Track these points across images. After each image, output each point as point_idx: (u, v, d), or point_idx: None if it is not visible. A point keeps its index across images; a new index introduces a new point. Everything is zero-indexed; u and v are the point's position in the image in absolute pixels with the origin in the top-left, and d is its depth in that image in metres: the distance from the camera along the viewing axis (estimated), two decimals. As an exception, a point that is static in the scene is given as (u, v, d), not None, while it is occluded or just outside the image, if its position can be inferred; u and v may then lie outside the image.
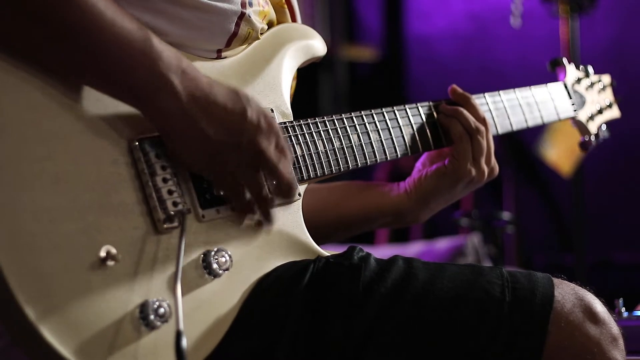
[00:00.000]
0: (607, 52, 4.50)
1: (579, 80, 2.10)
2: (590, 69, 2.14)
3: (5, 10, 1.25)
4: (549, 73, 2.09)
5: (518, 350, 1.40)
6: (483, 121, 1.79)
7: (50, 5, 1.27)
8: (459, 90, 1.82)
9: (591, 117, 2.09)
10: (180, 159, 1.39)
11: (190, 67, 1.36)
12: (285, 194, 1.46)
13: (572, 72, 2.10)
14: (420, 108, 1.77)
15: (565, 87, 2.06)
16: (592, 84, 2.12)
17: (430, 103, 1.80)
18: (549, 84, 2.03)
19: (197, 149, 1.37)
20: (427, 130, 1.77)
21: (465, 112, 1.78)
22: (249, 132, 1.39)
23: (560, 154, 4.06)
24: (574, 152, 3.93)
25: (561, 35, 3.69)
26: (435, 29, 5.18)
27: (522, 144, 4.54)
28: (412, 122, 1.75)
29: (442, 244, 3.63)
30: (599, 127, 2.11)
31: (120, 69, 1.31)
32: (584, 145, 2.12)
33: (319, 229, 1.70)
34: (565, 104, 2.04)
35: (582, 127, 2.10)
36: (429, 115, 1.78)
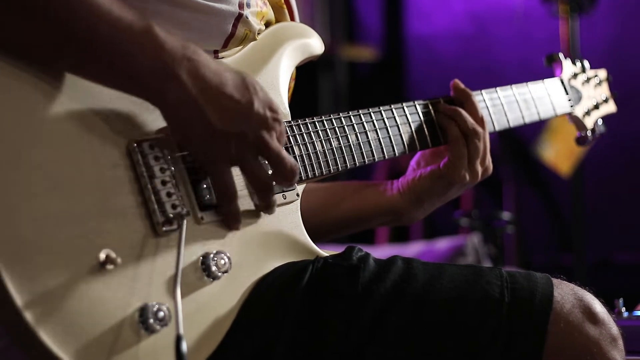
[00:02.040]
0: (607, 52, 4.50)
1: (575, 76, 2.09)
2: (586, 63, 2.14)
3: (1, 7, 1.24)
4: (549, 72, 2.09)
5: (517, 350, 1.40)
6: (481, 122, 1.79)
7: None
8: (461, 85, 1.82)
9: (587, 112, 2.09)
10: (186, 147, 1.39)
11: (196, 54, 1.34)
12: (288, 178, 1.43)
13: (568, 67, 2.09)
14: (417, 106, 1.77)
15: (562, 82, 2.05)
16: (588, 79, 2.12)
17: (428, 101, 1.80)
18: (546, 80, 2.03)
19: (202, 139, 1.36)
20: (425, 128, 1.77)
21: (463, 113, 1.77)
22: (256, 122, 1.38)
23: (559, 155, 4.06)
24: (573, 153, 3.93)
25: (561, 35, 3.69)
26: (435, 29, 5.19)
27: (522, 144, 4.54)
28: (410, 120, 1.75)
29: (442, 244, 3.63)
30: (595, 122, 2.11)
31: (122, 59, 1.30)
32: (580, 140, 2.12)
33: (317, 228, 1.70)
34: (562, 100, 2.04)
35: (578, 123, 2.09)
36: (427, 114, 1.78)
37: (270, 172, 1.43)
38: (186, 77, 1.32)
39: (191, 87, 1.33)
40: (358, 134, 1.66)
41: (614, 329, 1.45)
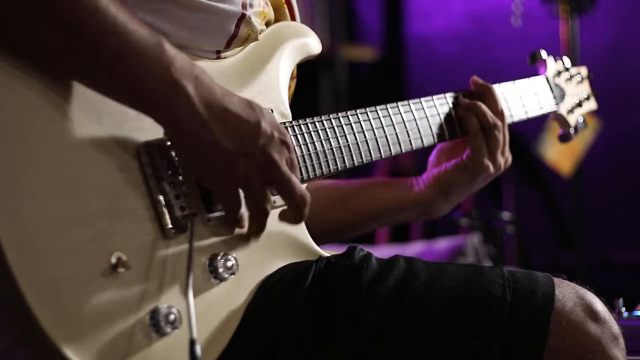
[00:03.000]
0: (607, 52, 4.50)
1: (559, 73, 2.10)
2: (567, 61, 2.14)
3: (16, 11, 1.25)
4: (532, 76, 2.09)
5: (519, 349, 1.40)
6: (501, 114, 1.82)
7: (62, 7, 1.26)
8: (480, 80, 1.85)
9: (571, 110, 2.10)
10: (191, 168, 1.37)
11: (203, 74, 1.34)
12: (300, 206, 1.41)
13: (552, 65, 2.09)
14: (435, 100, 1.79)
15: (547, 80, 2.06)
16: (571, 77, 2.12)
17: (447, 95, 1.82)
18: (532, 78, 2.02)
19: (207, 158, 1.34)
20: (443, 122, 1.79)
21: (483, 107, 1.80)
22: (263, 143, 1.36)
23: (560, 154, 4.07)
24: (574, 152, 3.93)
25: (561, 35, 3.69)
26: (435, 29, 5.19)
27: (522, 144, 4.54)
28: (428, 114, 1.77)
29: (442, 244, 3.63)
30: (577, 120, 2.12)
31: (132, 73, 1.29)
32: (563, 137, 2.12)
33: (331, 225, 1.71)
34: (548, 98, 2.04)
35: (562, 120, 2.10)
36: (444, 108, 1.80)
37: (273, 200, 1.42)
38: (194, 94, 1.32)
39: (198, 104, 1.32)
40: (356, 133, 1.67)
41: (616, 328, 1.45)
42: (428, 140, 1.77)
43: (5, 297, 1.19)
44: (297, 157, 1.55)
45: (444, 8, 5.17)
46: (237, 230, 1.43)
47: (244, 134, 1.35)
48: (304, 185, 1.59)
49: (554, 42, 3.76)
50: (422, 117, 1.77)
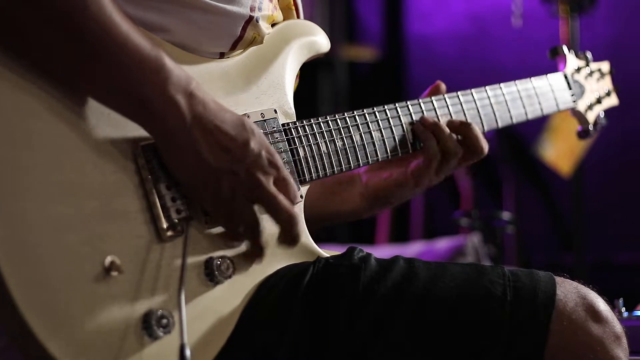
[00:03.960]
0: (607, 52, 4.49)
1: (578, 70, 2.09)
2: (589, 55, 2.13)
3: (21, 13, 1.25)
4: (549, 71, 2.09)
5: (520, 349, 1.40)
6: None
7: (67, 13, 1.26)
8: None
9: (590, 107, 2.09)
10: (180, 179, 1.37)
11: (198, 90, 1.35)
12: (286, 224, 1.40)
13: (571, 61, 2.09)
14: (422, 105, 1.77)
15: (565, 77, 2.05)
16: (591, 73, 2.11)
17: (419, 101, 1.78)
18: (549, 75, 2.02)
19: (193, 171, 1.35)
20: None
21: (446, 131, 1.74)
22: (248, 163, 1.36)
23: (560, 154, 4.06)
24: (574, 152, 3.93)
25: (561, 35, 3.69)
26: (435, 29, 5.18)
27: (522, 143, 4.54)
28: (415, 120, 1.75)
29: (442, 244, 3.63)
30: (597, 116, 2.11)
31: (129, 82, 1.30)
32: (582, 134, 2.12)
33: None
34: (565, 95, 2.04)
35: (580, 117, 2.09)
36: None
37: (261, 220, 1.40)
38: (186, 109, 1.32)
39: (189, 120, 1.33)
40: (362, 134, 1.66)
41: (618, 327, 1.45)
42: (406, 148, 1.73)
43: None
44: (299, 158, 1.55)
45: (444, 8, 5.17)
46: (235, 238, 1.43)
47: (231, 152, 1.35)
48: (307, 187, 1.58)
49: (554, 42, 3.74)
50: (411, 122, 1.73)
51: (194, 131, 1.33)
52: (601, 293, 1.49)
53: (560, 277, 1.49)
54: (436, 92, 1.83)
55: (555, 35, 3.73)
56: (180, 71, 1.34)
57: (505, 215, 3.88)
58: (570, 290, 1.46)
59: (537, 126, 4.15)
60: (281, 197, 1.39)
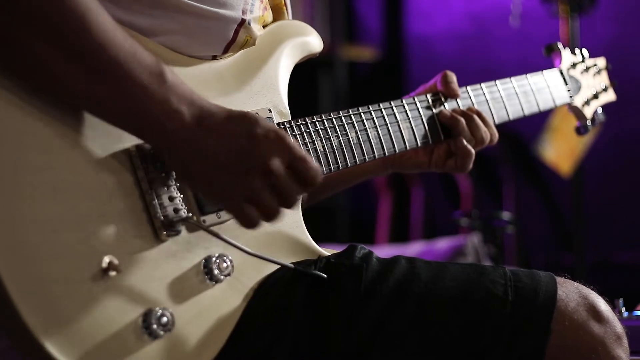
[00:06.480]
0: (607, 52, 4.47)
1: (574, 65, 2.09)
2: (585, 52, 2.14)
3: (19, 34, 1.23)
4: (549, 69, 2.09)
5: (521, 349, 1.40)
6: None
7: (71, 32, 1.25)
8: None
9: (587, 102, 2.10)
10: (192, 187, 1.36)
11: (201, 100, 1.33)
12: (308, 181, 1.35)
13: (567, 57, 2.09)
14: (418, 103, 1.77)
15: (561, 73, 2.06)
16: (587, 68, 2.12)
17: (428, 96, 1.80)
18: (545, 71, 2.03)
19: (205, 174, 1.32)
20: (425, 126, 1.77)
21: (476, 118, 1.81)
22: (258, 156, 1.32)
23: (560, 154, 4.06)
24: (574, 152, 3.93)
25: (561, 35, 3.69)
26: (435, 29, 5.18)
27: (522, 143, 4.54)
28: (410, 117, 1.75)
29: (442, 244, 3.63)
30: (595, 112, 2.11)
31: (132, 100, 1.28)
32: (579, 130, 2.12)
33: None
34: (561, 90, 2.04)
35: (578, 113, 2.10)
36: (428, 109, 1.79)
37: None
38: (188, 116, 1.30)
39: (190, 123, 1.30)
40: (358, 131, 1.66)
41: (619, 327, 1.45)
42: (402, 145, 1.75)
43: None
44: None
45: (444, 8, 5.17)
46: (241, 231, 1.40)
47: (238, 151, 1.31)
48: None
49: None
50: (405, 119, 1.74)
51: (196, 133, 1.30)
52: (601, 293, 1.49)
53: (562, 278, 1.49)
54: (445, 81, 1.84)
55: (555, 35, 3.73)
56: (184, 86, 1.32)
57: (505, 215, 3.87)
58: (571, 291, 1.46)
59: (537, 126, 4.15)
60: (309, 158, 1.35)
